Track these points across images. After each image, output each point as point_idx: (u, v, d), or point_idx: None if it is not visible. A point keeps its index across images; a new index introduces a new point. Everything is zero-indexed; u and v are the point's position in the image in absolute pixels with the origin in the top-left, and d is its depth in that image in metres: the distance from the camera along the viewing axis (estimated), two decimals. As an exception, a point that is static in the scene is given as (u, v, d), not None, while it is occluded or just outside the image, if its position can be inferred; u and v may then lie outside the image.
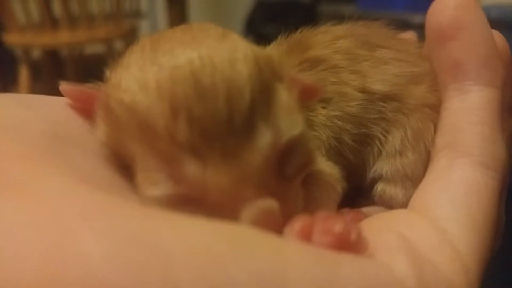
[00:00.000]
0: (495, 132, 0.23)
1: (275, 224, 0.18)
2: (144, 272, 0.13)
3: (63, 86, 0.22)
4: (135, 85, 0.18)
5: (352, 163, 0.27)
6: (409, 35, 0.32)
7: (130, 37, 1.78)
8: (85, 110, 0.21)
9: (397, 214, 0.23)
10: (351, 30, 0.29)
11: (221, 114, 0.17)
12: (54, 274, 0.13)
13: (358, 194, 0.28)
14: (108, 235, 0.14)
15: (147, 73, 0.18)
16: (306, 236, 0.17)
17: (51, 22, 1.61)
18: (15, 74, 1.68)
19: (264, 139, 0.18)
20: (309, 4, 2.27)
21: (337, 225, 0.17)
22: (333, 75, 0.27)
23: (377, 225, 0.22)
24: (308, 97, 0.22)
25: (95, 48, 1.84)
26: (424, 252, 0.19)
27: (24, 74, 1.63)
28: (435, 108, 0.26)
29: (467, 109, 0.24)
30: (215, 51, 0.18)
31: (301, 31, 0.29)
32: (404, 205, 0.25)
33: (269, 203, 0.18)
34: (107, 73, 0.21)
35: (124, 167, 0.20)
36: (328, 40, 0.28)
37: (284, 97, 0.20)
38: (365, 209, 0.27)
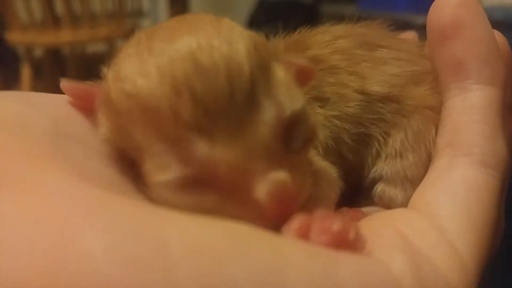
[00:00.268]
0: (496, 131, 0.23)
1: (290, 194, 0.18)
2: (145, 269, 0.13)
3: (64, 83, 0.22)
4: (135, 72, 0.18)
5: (351, 163, 0.27)
6: (410, 35, 0.32)
7: (132, 36, 1.78)
8: (86, 107, 0.21)
9: (396, 212, 0.23)
10: (350, 30, 0.29)
11: (224, 91, 0.17)
12: (55, 271, 0.13)
13: (357, 193, 0.28)
14: (109, 231, 0.14)
15: (145, 60, 0.18)
16: (304, 234, 0.17)
17: (53, 21, 1.61)
18: (17, 73, 1.68)
19: (268, 112, 0.18)
20: (310, 4, 2.27)
21: (335, 224, 0.17)
22: (332, 75, 0.27)
23: (375, 223, 0.22)
24: (303, 79, 0.22)
25: (97, 47, 1.85)
26: (422, 250, 0.19)
27: (26, 73, 1.63)
28: (436, 110, 0.26)
29: (468, 108, 0.24)
30: (212, 33, 0.18)
31: (299, 31, 0.28)
32: (403, 206, 0.25)
33: (282, 175, 0.18)
34: (105, 70, 0.21)
35: (127, 163, 0.20)
36: (327, 40, 0.28)
37: (282, 74, 0.20)
38: (364, 209, 0.27)
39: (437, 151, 0.25)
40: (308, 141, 0.20)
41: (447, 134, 0.24)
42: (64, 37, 1.60)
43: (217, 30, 0.19)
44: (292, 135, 0.19)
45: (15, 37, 1.61)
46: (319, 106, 0.26)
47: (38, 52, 1.89)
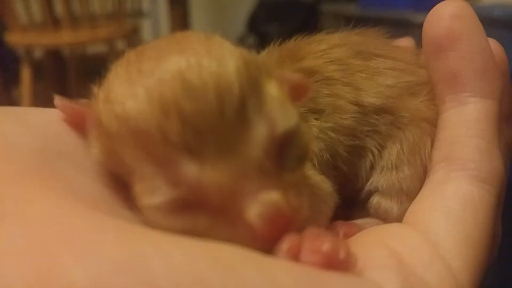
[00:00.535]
0: (491, 145, 0.23)
1: (284, 216, 0.17)
2: None
3: (57, 101, 0.22)
4: (124, 95, 0.18)
5: (346, 175, 0.27)
6: (407, 42, 0.32)
7: (132, 37, 1.78)
8: (79, 125, 0.21)
9: (391, 228, 0.23)
10: (346, 39, 0.29)
11: (213, 110, 0.17)
12: None
13: (353, 205, 0.28)
14: (94, 262, 0.14)
15: (134, 81, 0.18)
16: (295, 254, 0.17)
17: (53, 22, 1.61)
18: (17, 74, 1.68)
19: (260, 131, 0.18)
20: (311, 4, 2.27)
21: (325, 244, 0.17)
22: (327, 87, 0.26)
23: (369, 240, 0.22)
24: (298, 95, 0.22)
25: (97, 48, 1.85)
26: (415, 269, 0.19)
27: (26, 74, 1.63)
28: (432, 122, 0.26)
29: (464, 122, 0.24)
30: (201, 51, 0.18)
31: (295, 39, 0.28)
32: (399, 219, 0.24)
33: (274, 195, 0.17)
34: (95, 90, 0.21)
35: (118, 182, 0.20)
36: (322, 49, 0.27)
37: (274, 90, 0.19)
38: (359, 221, 0.27)
39: (433, 165, 0.24)
40: (302, 159, 0.20)
41: (442, 148, 0.24)
42: (64, 38, 1.59)
43: (206, 48, 0.18)
44: (286, 153, 0.19)
45: (15, 39, 1.61)
46: (315, 118, 0.26)
47: (38, 53, 1.89)
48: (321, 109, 0.26)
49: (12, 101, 1.92)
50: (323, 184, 0.25)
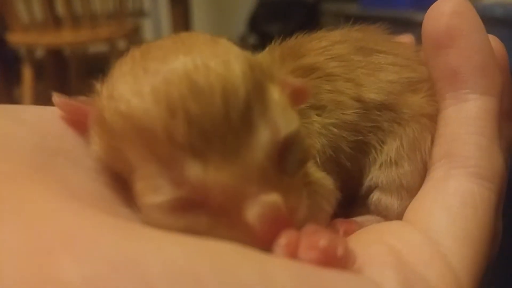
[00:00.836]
0: (492, 142, 0.23)
1: (282, 217, 0.18)
2: None
3: (56, 99, 0.21)
4: (129, 92, 0.18)
5: (349, 171, 0.27)
6: (407, 38, 0.32)
7: (133, 36, 1.78)
8: (78, 123, 0.21)
9: (390, 226, 0.23)
10: (347, 35, 0.28)
11: (219, 112, 0.17)
12: None
13: (354, 201, 0.28)
14: (90, 261, 0.14)
15: (140, 79, 0.18)
16: (293, 251, 0.17)
17: (54, 21, 1.61)
18: (19, 74, 1.69)
19: (263, 135, 0.18)
20: (312, 3, 2.27)
21: (322, 240, 0.17)
22: (328, 83, 0.26)
23: (368, 237, 0.22)
24: (298, 99, 0.22)
25: (98, 47, 1.85)
26: (415, 267, 0.19)
27: (27, 74, 1.63)
28: (432, 118, 0.26)
29: (464, 119, 0.23)
30: (207, 53, 0.18)
31: (296, 37, 0.28)
32: (399, 215, 0.24)
33: (274, 197, 0.18)
34: (98, 87, 0.21)
35: (117, 179, 0.20)
36: (323, 46, 0.27)
37: (277, 95, 0.20)
38: (359, 218, 0.27)
39: (433, 162, 0.24)
40: (302, 162, 0.20)
41: (443, 145, 0.24)
42: (65, 37, 1.60)
43: (213, 50, 0.19)
44: (286, 157, 0.19)
45: (17, 38, 1.61)
46: (316, 114, 0.26)
47: (39, 53, 1.89)
48: (323, 105, 0.26)
49: (13, 101, 1.92)
50: (325, 181, 0.25)
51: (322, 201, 0.24)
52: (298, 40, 0.28)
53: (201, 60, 0.18)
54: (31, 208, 0.15)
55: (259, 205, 0.17)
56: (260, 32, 2.35)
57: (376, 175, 0.27)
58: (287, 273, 0.15)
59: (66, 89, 1.88)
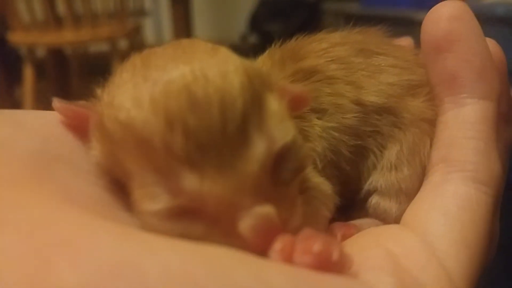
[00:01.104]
0: (489, 146, 0.23)
1: (274, 228, 0.18)
2: None
3: (56, 103, 0.22)
4: (129, 102, 0.18)
5: (349, 175, 0.27)
6: (406, 41, 0.32)
7: (134, 36, 1.78)
8: (78, 127, 0.21)
9: (388, 230, 0.23)
10: (347, 37, 0.29)
11: (216, 125, 0.17)
12: None
13: (353, 205, 0.28)
14: (87, 266, 0.14)
15: (140, 89, 0.18)
16: (288, 256, 0.17)
17: (55, 21, 1.61)
18: (20, 73, 1.69)
19: (259, 147, 0.18)
20: (313, 2, 2.27)
21: (316, 245, 0.17)
22: (328, 86, 0.26)
23: (365, 241, 0.22)
24: (298, 106, 0.22)
25: (99, 47, 1.85)
26: (411, 271, 0.19)
27: (28, 73, 1.63)
28: (432, 122, 0.26)
29: (462, 123, 0.24)
30: (207, 64, 0.19)
31: (295, 39, 0.28)
32: (398, 219, 0.24)
33: (266, 209, 0.18)
34: (99, 92, 0.21)
35: (116, 184, 0.20)
36: (324, 48, 0.27)
37: (275, 105, 0.20)
38: (358, 222, 0.27)
39: (431, 166, 0.24)
40: (298, 171, 0.20)
41: (441, 149, 0.24)
42: (66, 37, 1.60)
43: (212, 60, 0.19)
44: (282, 166, 0.19)
45: (18, 38, 1.61)
46: (317, 118, 0.26)
47: (40, 53, 1.90)
48: (324, 109, 0.26)
49: (14, 100, 1.92)
50: (323, 186, 0.25)
51: (321, 206, 0.24)
52: (298, 42, 0.28)
53: (201, 71, 0.18)
54: (30, 214, 0.15)
55: (252, 217, 0.18)
56: (261, 31, 2.35)
57: (375, 179, 0.27)
58: (282, 276, 0.15)
59: (67, 89, 1.88)
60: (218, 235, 0.18)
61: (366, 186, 0.27)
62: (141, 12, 2.11)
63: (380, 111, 0.26)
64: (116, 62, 1.57)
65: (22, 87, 1.70)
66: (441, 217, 0.21)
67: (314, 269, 0.16)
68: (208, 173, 0.17)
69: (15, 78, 1.86)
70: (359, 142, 0.26)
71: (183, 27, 1.79)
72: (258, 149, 0.18)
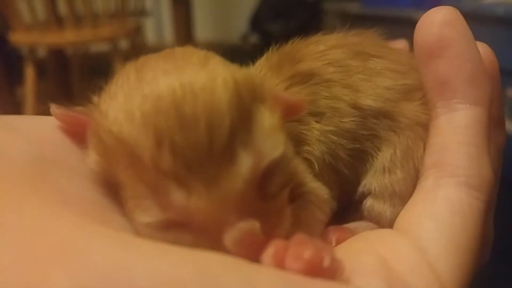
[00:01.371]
0: (481, 151, 0.23)
1: (258, 243, 0.18)
2: None
3: (54, 109, 0.22)
4: (122, 116, 0.19)
5: (347, 178, 0.27)
6: (401, 44, 0.32)
7: (135, 36, 1.78)
8: (76, 133, 0.22)
9: (380, 234, 0.23)
10: (343, 40, 0.29)
11: (203, 144, 0.18)
12: None
13: (348, 207, 0.28)
14: (78, 271, 0.14)
15: (132, 104, 0.19)
16: (280, 261, 0.17)
17: (56, 21, 1.61)
18: (21, 73, 1.69)
19: (244, 164, 0.19)
20: (314, 2, 2.27)
21: (307, 251, 0.17)
22: (326, 89, 0.26)
23: (358, 246, 0.22)
24: (293, 113, 0.22)
25: (100, 47, 1.85)
26: (403, 276, 0.19)
27: (30, 73, 1.63)
28: (426, 127, 0.26)
29: (454, 128, 0.24)
30: (196, 79, 0.19)
31: (292, 42, 0.28)
32: (392, 221, 0.25)
33: (250, 224, 0.19)
34: (95, 99, 0.22)
35: (112, 190, 0.21)
36: (320, 50, 0.28)
37: (266, 119, 0.20)
38: (352, 225, 0.27)
39: (424, 171, 0.25)
40: (285, 185, 0.21)
41: (433, 154, 0.24)
42: (67, 37, 1.60)
43: (202, 74, 0.19)
44: (269, 181, 0.20)
45: (19, 38, 1.61)
46: (315, 121, 0.26)
47: (41, 53, 1.90)
48: (321, 112, 0.26)
49: (15, 100, 1.92)
50: (320, 190, 0.25)
51: (316, 210, 0.25)
52: (295, 45, 0.28)
53: (190, 87, 0.19)
54: (25, 218, 0.16)
55: (236, 232, 0.18)
56: (261, 31, 2.35)
57: (369, 181, 0.27)
58: (272, 282, 0.16)
59: (68, 89, 1.88)
60: (206, 246, 0.18)
61: (360, 189, 0.28)
62: (142, 12, 2.11)
63: (378, 115, 0.27)
64: (116, 62, 1.57)
65: (23, 87, 1.70)
66: (433, 222, 0.22)
67: (306, 275, 0.17)
68: (194, 189, 0.18)
69: (16, 78, 1.86)
70: (358, 146, 0.27)
71: (184, 27, 1.79)
72: (244, 166, 0.19)
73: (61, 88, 1.87)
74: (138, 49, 1.81)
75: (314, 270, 0.17)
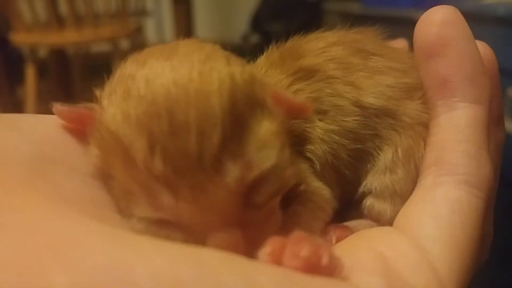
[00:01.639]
0: (480, 149, 0.23)
1: (239, 252, 0.18)
2: None
3: (56, 108, 0.22)
4: (119, 116, 0.20)
5: (347, 178, 0.27)
6: (401, 43, 0.32)
7: (136, 36, 1.78)
8: (78, 130, 0.22)
9: (380, 232, 0.23)
10: (344, 37, 0.29)
11: (192, 152, 0.19)
12: None
13: (348, 206, 0.28)
14: (77, 269, 0.14)
15: (128, 104, 0.19)
16: (277, 258, 0.17)
17: (57, 21, 1.62)
18: (22, 73, 1.69)
19: (231, 175, 0.19)
20: (314, 2, 2.27)
21: (305, 250, 0.17)
22: (329, 86, 0.26)
23: (358, 244, 0.22)
24: (296, 114, 0.23)
25: (101, 47, 1.85)
26: (402, 274, 0.19)
27: (30, 73, 1.63)
28: (427, 125, 0.26)
29: (454, 127, 0.24)
30: (193, 81, 0.19)
31: (292, 39, 0.28)
32: (392, 220, 0.25)
33: (233, 234, 0.19)
34: (98, 93, 0.22)
35: (110, 184, 0.21)
36: (321, 47, 0.27)
37: (262, 126, 0.20)
38: (352, 223, 0.27)
39: (424, 169, 0.25)
40: (274, 195, 0.21)
41: (433, 152, 0.24)
42: (68, 37, 1.60)
43: (200, 76, 0.19)
44: (258, 190, 0.20)
45: (20, 38, 1.61)
46: (319, 119, 0.26)
47: (42, 53, 1.90)
48: (325, 110, 0.26)
49: (16, 100, 1.93)
50: (322, 190, 0.25)
51: (318, 210, 0.25)
52: (296, 41, 0.28)
53: (185, 92, 0.19)
54: (23, 216, 0.16)
55: (218, 240, 0.19)
56: (262, 31, 2.35)
57: (370, 181, 0.27)
58: (271, 279, 0.16)
59: (68, 89, 1.88)
60: (196, 243, 0.19)
61: (361, 188, 0.28)
62: (142, 12, 2.11)
63: (380, 113, 0.27)
64: (117, 62, 1.57)
65: (24, 87, 1.70)
66: (432, 220, 0.22)
67: (304, 272, 0.17)
68: (182, 194, 0.19)
69: (16, 78, 1.86)
70: (359, 146, 0.27)
71: (185, 28, 1.79)
72: (230, 177, 0.19)
73: (62, 88, 1.87)
74: (139, 49, 1.81)
75: (312, 268, 0.17)
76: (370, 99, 0.26)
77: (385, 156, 0.27)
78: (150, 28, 2.51)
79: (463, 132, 0.24)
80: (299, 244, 0.17)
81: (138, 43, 1.82)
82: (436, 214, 0.22)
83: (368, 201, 0.27)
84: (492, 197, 0.24)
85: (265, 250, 0.18)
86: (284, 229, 0.20)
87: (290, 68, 0.26)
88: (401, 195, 0.26)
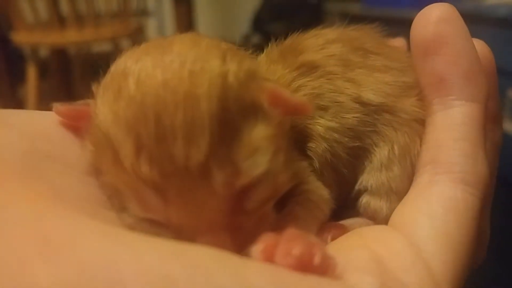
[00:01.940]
0: (477, 148, 0.23)
1: None
2: None
3: (56, 107, 0.22)
4: (109, 116, 0.19)
5: (345, 177, 0.27)
6: (399, 42, 0.32)
7: (137, 35, 1.78)
8: (77, 127, 0.22)
9: (375, 231, 0.23)
10: (343, 34, 0.29)
11: (178, 157, 0.18)
12: None
13: (345, 204, 0.28)
14: (62, 266, 0.14)
15: (119, 105, 0.19)
16: (269, 256, 0.17)
17: (58, 21, 1.62)
18: (23, 73, 1.69)
19: (218, 182, 0.19)
20: (315, 3, 2.27)
21: (297, 248, 0.17)
22: (329, 82, 0.26)
23: (352, 242, 0.22)
24: (295, 114, 0.22)
25: (102, 47, 1.85)
26: (396, 273, 0.19)
27: (32, 73, 1.64)
28: (423, 123, 0.26)
29: (450, 125, 0.24)
30: (183, 83, 0.19)
31: (291, 37, 0.28)
32: (388, 217, 0.25)
33: (219, 238, 0.19)
34: (94, 88, 0.22)
35: (101, 180, 0.21)
36: (320, 44, 0.27)
37: (255, 130, 0.20)
38: (348, 222, 0.27)
39: (419, 167, 0.25)
40: (265, 201, 0.21)
41: (429, 150, 0.24)
42: (70, 37, 1.60)
43: (191, 79, 0.19)
44: (248, 196, 0.20)
45: (21, 38, 1.62)
46: (319, 116, 0.26)
47: (43, 52, 1.90)
48: (326, 106, 0.26)
49: (17, 100, 1.93)
50: (320, 190, 0.25)
51: (314, 208, 0.25)
52: (295, 38, 0.28)
53: (173, 96, 0.19)
54: (13, 213, 0.16)
55: (204, 244, 0.18)
56: (263, 32, 2.35)
57: (365, 178, 0.27)
58: (263, 277, 0.15)
59: (69, 88, 1.88)
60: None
61: (357, 186, 0.28)
62: (143, 12, 2.11)
63: (379, 110, 0.27)
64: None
65: (25, 86, 1.70)
66: (428, 219, 0.22)
67: (296, 270, 0.16)
68: (170, 197, 0.19)
69: (18, 77, 1.86)
70: (358, 144, 0.27)
71: (186, 28, 1.79)
72: (217, 184, 0.19)
73: (63, 87, 1.87)
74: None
75: (304, 266, 0.17)
76: (370, 96, 0.26)
77: (381, 153, 0.27)
78: (151, 28, 2.51)
79: (459, 130, 0.23)
80: (292, 242, 0.17)
81: (139, 43, 1.81)
82: (432, 213, 0.22)
83: (364, 199, 0.27)
84: (489, 196, 0.24)
85: (258, 247, 0.17)
86: (281, 228, 0.20)
87: (292, 64, 0.27)
88: (397, 193, 0.26)
